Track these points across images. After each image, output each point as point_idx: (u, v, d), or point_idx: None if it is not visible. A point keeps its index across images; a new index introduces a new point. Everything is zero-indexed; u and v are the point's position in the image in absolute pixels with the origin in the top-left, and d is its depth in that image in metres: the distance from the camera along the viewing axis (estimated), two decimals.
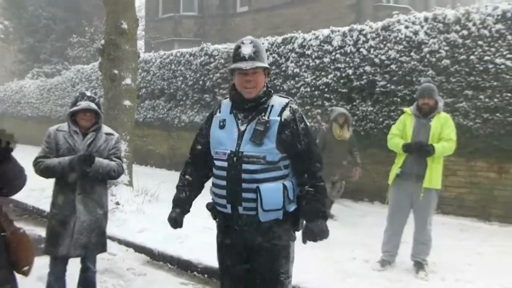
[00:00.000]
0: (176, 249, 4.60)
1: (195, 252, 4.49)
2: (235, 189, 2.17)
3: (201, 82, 9.95)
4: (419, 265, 4.08)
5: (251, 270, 2.29)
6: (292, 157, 2.23)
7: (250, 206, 2.16)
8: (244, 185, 2.15)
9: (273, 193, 2.15)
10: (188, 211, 2.41)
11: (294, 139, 2.20)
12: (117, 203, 5.88)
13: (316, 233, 2.21)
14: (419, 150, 3.97)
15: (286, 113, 2.22)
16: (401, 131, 4.16)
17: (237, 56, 2.22)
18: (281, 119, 2.19)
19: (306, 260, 4.37)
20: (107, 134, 3.25)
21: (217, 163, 2.25)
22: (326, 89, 7.67)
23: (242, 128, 2.21)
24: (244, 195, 2.16)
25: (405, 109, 4.31)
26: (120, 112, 6.63)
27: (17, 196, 6.94)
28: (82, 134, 3.14)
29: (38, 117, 16.77)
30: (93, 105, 3.07)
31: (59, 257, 3.09)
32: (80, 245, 3.06)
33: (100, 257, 4.49)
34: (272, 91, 2.31)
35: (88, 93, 3.19)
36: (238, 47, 2.23)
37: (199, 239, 4.93)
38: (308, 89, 7.91)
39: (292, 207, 2.23)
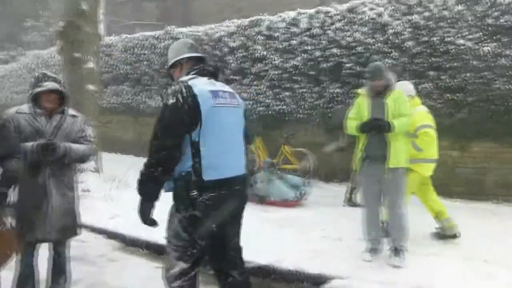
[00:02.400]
0: (149, 234, 4.54)
1: None
2: None
3: (166, 66, 9.73)
4: (395, 251, 3.91)
5: None
6: None
7: None
8: None
9: None
10: None
11: None
12: (88, 190, 5.73)
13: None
14: (374, 126, 3.83)
15: None
16: (356, 114, 4.02)
17: None
18: None
19: (279, 240, 4.46)
20: (71, 116, 3.15)
21: None
22: (294, 72, 7.72)
23: None
24: None
25: (359, 90, 4.17)
26: (84, 97, 6.40)
27: None
28: (46, 116, 3.02)
29: None
30: (58, 86, 2.98)
31: (32, 242, 3.01)
32: (57, 229, 3.01)
33: (70, 244, 4.41)
34: (181, 79, 2.42)
35: (50, 73, 3.06)
36: None
37: None
38: (277, 72, 7.93)
39: (166, 186, 2.32)
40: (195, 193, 2.26)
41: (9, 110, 3.05)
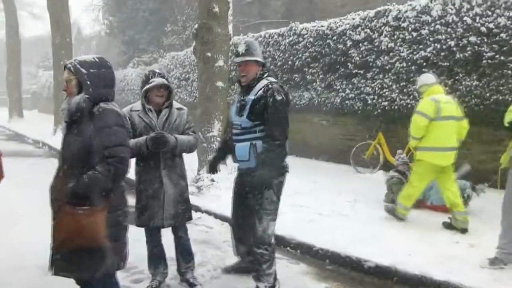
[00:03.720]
0: None
1: (288, 228, 4.55)
2: (232, 146, 3.24)
3: (290, 62, 9.90)
4: None
5: (247, 204, 3.22)
6: (264, 122, 3.06)
7: (236, 158, 3.24)
8: (233, 143, 3.22)
9: (241, 149, 3.13)
10: (223, 158, 3.60)
11: (264, 109, 3.02)
12: (212, 180, 6.15)
13: (256, 179, 3.01)
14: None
15: (260, 93, 3.06)
16: None
17: (235, 53, 3.24)
18: (255, 97, 3.06)
19: (404, 241, 4.23)
20: (178, 109, 3.31)
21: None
22: (424, 64, 7.18)
23: (238, 105, 3.20)
24: (234, 150, 3.20)
25: None
26: (214, 93, 6.87)
27: None
28: (155, 112, 3.21)
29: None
30: (165, 81, 3.16)
31: (154, 228, 3.29)
32: (170, 216, 3.23)
33: (199, 229, 4.81)
34: (264, 76, 3.17)
35: (157, 70, 3.25)
36: (236, 46, 3.20)
37: (292, 215, 5.00)
38: (404, 64, 7.47)
39: None
40: (286, 163, 3.15)
41: (124, 108, 3.27)
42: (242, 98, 3.15)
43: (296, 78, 9.80)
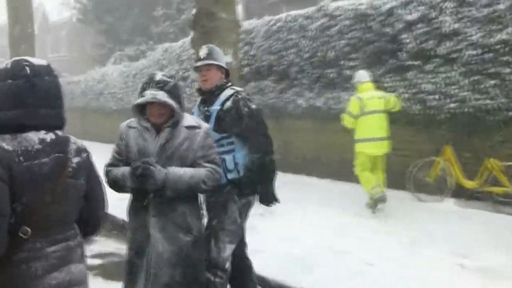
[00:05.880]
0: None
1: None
2: None
3: (320, 53, 9.86)
4: None
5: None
6: (238, 135, 3.55)
7: None
8: None
9: None
10: None
11: (234, 122, 3.51)
12: None
13: (266, 197, 3.63)
14: None
15: (228, 104, 3.54)
16: None
17: (197, 58, 3.77)
18: (221, 108, 3.54)
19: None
20: (189, 127, 3.01)
21: None
22: (503, 50, 7.04)
23: (202, 116, 3.59)
24: None
25: None
26: None
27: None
28: (157, 131, 2.97)
29: (124, 110, 17.26)
30: (160, 95, 2.85)
31: None
32: (161, 284, 2.91)
33: None
34: (228, 85, 3.68)
35: (158, 76, 2.95)
36: (198, 52, 3.77)
37: (330, 264, 4.94)
38: (475, 52, 7.34)
39: (231, 176, 3.53)
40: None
41: (123, 123, 3.18)
42: (206, 109, 3.62)
43: (330, 74, 9.69)
